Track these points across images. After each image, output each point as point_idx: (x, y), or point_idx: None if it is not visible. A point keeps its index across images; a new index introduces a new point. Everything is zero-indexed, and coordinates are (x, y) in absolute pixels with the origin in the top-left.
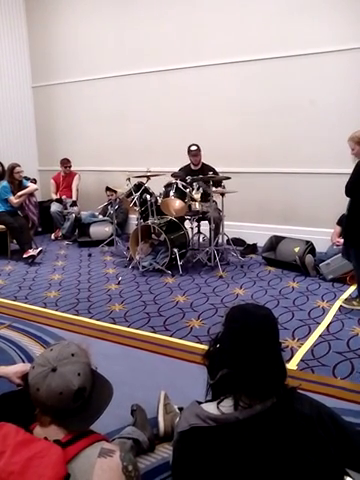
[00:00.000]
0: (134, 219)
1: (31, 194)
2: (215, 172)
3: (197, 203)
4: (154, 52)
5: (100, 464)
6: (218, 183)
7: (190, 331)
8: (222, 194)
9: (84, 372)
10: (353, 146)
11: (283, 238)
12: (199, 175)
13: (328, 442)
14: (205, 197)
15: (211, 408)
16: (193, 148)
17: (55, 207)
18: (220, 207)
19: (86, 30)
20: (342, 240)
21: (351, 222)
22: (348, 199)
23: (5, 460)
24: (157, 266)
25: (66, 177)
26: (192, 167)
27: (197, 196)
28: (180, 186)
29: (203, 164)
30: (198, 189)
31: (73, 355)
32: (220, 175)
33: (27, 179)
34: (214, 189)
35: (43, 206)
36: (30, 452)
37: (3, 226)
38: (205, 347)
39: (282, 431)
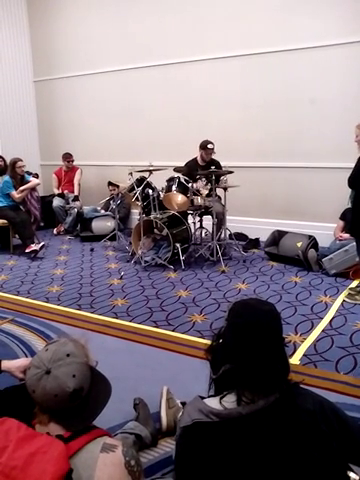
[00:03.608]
0: (136, 214)
1: (33, 189)
2: (220, 166)
3: (199, 198)
4: (156, 46)
5: (103, 459)
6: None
7: (192, 326)
8: (225, 188)
9: (80, 372)
10: (358, 133)
11: (286, 233)
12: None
13: (331, 437)
14: (209, 192)
15: (214, 403)
16: (210, 146)
17: (57, 202)
18: (223, 201)
19: (88, 23)
20: (345, 235)
21: (356, 214)
22: (350, 193)
23: (7, 455)
24: (159, 261)
25: (68, 172)
26: (200, 162)
27: (206, 191)
28: (183, 181)
29: (211, 159)
30: (206, 184)
31: (68, 355)
32: (223, 169)
33: (29, 174)
34: (222, 184)
35: (45, 201)
36: (32, 447)
37: (5, 221)
38: (208, 342)
39: (285, 426)
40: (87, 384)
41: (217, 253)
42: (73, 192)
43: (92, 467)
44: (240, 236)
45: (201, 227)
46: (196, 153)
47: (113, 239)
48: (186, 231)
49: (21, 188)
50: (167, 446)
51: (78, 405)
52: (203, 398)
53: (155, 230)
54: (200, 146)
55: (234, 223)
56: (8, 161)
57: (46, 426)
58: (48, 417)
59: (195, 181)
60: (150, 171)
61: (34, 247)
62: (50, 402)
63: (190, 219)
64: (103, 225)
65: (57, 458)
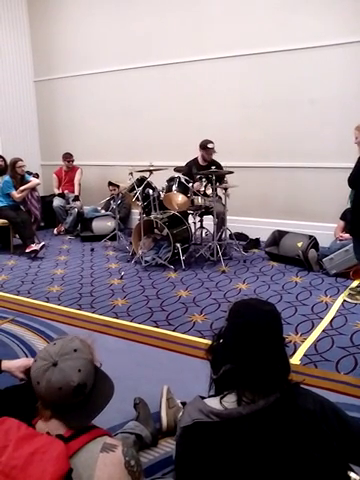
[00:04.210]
0: (137, 214)
1: (33, 189)
2: (220, 167)
3: (200, 197)
4: (156, 46)
5: (103, 459)
6: (222, 178)
7: (193, 326)
8: (225, 189)
9: (85, 368)
10: (357, 135)
11: (286, 233)
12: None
13: (331, 437)
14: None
15: (214, 403)
16: (211, 146)
17: (57, 202)
18: (223, 201)
19: (88, 24)
20: (346, 235)
21: (356, 214)
22: (349, 193)
23: (7, 455)
24: (160, 261)
25: (68, 172)
26: (200, 162)
27: (209, 191)
28: (183, 180)
29: (212, 159)
30: (206, 185)
31: (75, 351)
32: (223, 169)
33: (29, 174)
34: (224, 185)
35: (45, 201)
36: (32, 447)
37: (6, 221)
38: (208, 342)
39: (285, 426)
40: (91, 381)
41: (217, 253)
42: (73, 192)
43: (92, 467)
44: (240, 236)
45: (201, 227)
46: (196, 153)
47: (113, 239)
48: (186, 231)
49: (21, 188)
50: (167, 446)
51: (80, 402)
52: (203, 398)
53: (155, 230)
54: (200, 146)
55: (234, 223)
56: (8, 161)
57: (47, 422)
58: (50, 412)
59: (196, 181)
60: (150, 171)
61: (34, 247)
62: (53, 395)
63: (190, 219)
64: (103, 225)
65: (57, 458)
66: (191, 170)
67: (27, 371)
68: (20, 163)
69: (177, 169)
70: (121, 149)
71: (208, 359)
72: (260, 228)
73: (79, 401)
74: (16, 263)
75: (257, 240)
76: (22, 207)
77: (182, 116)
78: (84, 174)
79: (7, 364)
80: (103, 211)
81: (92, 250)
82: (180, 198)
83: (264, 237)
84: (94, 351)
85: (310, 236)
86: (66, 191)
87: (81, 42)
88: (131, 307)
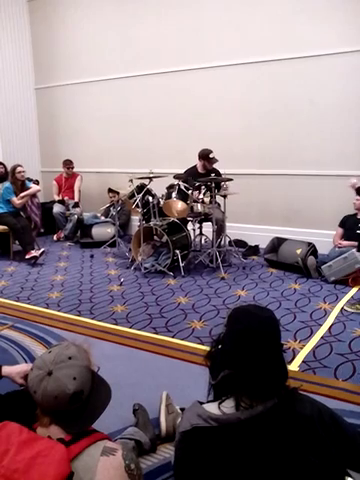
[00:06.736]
0: (136, 220)
1: (34, 195)
2: (219, 174)
3: (199, 204)
4: (157, 54)
5: (103, 462)
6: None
7: (192, 332)
8: (224, 196)
9: (81, 375)
10: None
11: (285, 240)
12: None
13: (329, 442)
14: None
15: (213, 408)
16: (212, 155)
17: (57, 208)
18: (222, 208)
19: (89, 32)
20: (344, 242)
21: None
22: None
23: (9, 458)
24: (159, 267)
25: (68, 178)
26: (200, 170)
27: (207, 199)
28: (182, 188)
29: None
30: (205, 193)
31: (70, 358)
32: (222, 177)
33: (30, 180)
34: (222, 192)
35: (45, 207)
36: (34, 450)
37: (6, 227)
38: (207, 348)
39: (283, 431)
40: (87, 387)
41: (217, 260)
42: (73, 198)
43: (92, 470)
44: (240, 243)
45: (201, 234)
46: (196, 160)
47: (113, 246)
48: (186, 238)
49: (22, 194)
50: (166, 452)
51: (78, 408)
52: (202, 403)
53: (155, 237)
54: (201, 156)
55: (234, 230)
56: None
57: (47, 428)
58: (49, 419)
59: (195, 189)
60: (150, 178)
61: (34, 253)
62: (50, 403)
63: (190, 226)
64: (103, 232)
65: (58, 461)
66: (190, 177)
67: (27, 377)
68: (19, 169)
69: (177, 176)
70: (121, 156)
71: (207, 365)
72: (259, 235)
73: (77, 407)
74: (16, 269)
75: (256, 247)
76: (22, 213)
77: (182, 123)
78: (84, 181)
79: (7, 370)
80: (103, 218)
81: (92, 256)
82: (180, 205)
83: (263, 244)
84: (91, 356)
85: (309, 243)
86: (66, 198)
87: (82, 50)
88: (130, 313)
